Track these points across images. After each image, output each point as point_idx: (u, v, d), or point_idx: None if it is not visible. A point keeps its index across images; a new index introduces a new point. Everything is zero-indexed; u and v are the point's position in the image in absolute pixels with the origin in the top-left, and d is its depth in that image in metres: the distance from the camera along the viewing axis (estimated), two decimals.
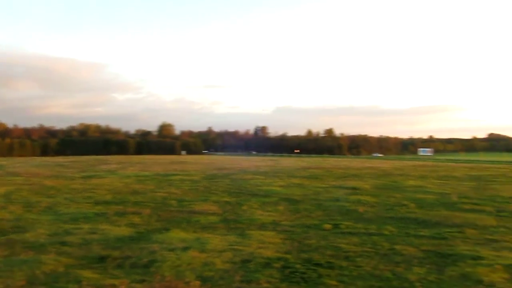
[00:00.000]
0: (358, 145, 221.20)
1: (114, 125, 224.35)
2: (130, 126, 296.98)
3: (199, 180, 42.64)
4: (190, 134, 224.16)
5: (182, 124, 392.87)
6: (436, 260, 13.14)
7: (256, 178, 45.47)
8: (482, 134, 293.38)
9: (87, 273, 11.42)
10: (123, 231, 17.24)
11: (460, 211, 22.99)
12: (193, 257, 13.01)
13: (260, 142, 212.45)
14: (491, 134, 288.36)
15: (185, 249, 14.03)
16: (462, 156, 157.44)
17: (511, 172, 60.31)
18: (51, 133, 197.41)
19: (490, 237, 16.64)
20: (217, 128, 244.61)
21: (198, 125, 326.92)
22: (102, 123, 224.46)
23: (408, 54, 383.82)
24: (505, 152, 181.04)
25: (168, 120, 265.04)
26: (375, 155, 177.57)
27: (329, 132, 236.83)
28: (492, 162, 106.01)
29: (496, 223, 19.59)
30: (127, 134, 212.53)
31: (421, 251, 14.26)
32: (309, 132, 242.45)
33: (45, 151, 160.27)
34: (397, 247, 14.70)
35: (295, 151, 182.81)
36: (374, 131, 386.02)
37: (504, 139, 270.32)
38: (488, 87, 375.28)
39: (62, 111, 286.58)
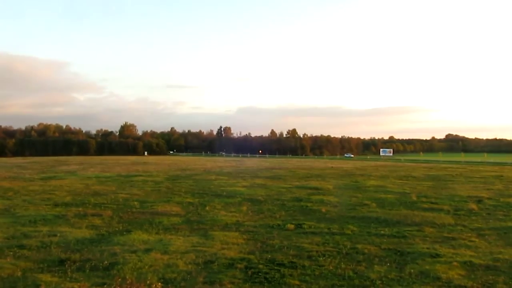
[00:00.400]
0: (320, 145, 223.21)
1: (74, 125, 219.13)
2: (91, 126, 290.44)
3: (161, 181, 42.29)
4: (152, 134, 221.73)
5: (145, 124, 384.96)
6: (396, 258, 13.40)
7: (219, 178, 45.42)
8: (440, 135, 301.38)
9: (46, 277, 11.15)
10: (83, 233, 16.92)
11: (419, 210, 23.54)
12: (155, 259, 12.88)
13: (224, 143, 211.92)
14: (449, 135, 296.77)
15: (147, 251, 13.88)
16: (422, 157, 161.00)
17: (468, 172, 62.09)
18: (8, 133, 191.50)
19: (448, 235, 17.11)
20: (180, 129, 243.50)
21: (160, 126, 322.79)
22: (62, 123, 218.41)
23: (370, 56, 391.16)
24: (462, 152, 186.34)
25: (130, 120, 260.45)
26: (347, 155, 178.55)
27: (293, 132, 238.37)
28: (450, 162, 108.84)
29: (453, 222, 20.15)
30: (88, 134, 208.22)
31: (382, 249, 14.53)
32: (273, 133, 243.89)
33: (2, 152, 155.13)
34: (359, 246, 14.93)
35: (259, 152, 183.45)
36: (336, 132, 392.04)
37: (461, 139, 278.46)
38: (447, 89, 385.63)
39: (20, 110, 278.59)
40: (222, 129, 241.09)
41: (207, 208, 23.94)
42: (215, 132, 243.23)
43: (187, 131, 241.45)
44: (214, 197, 28.99)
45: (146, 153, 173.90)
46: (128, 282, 10.18)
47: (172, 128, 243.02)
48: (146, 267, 12.06)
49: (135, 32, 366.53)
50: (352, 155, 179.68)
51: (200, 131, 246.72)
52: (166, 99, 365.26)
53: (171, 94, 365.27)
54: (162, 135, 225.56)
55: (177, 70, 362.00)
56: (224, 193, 31.33)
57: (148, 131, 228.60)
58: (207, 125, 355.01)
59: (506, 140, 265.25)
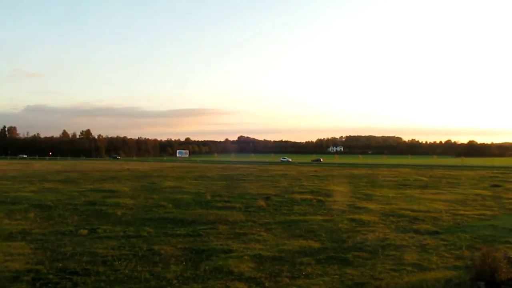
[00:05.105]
0: (116, 147, 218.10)
1: None
2: None
3: None
4: None
5: None
6: (192, 256, 13.75)
7: (2, 183, 41.23)
8: (233, 137, 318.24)
9: None
10: None
11: (213, 209, 24.49)
12: None
13: (9, 144, 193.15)
14: (241, 137, 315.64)
15: None
16: (216, 158, 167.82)
17: (258, 172, 66.73)
18: None
19: (239, 231, 18.15)
20: None
21: None
22: None
23: (163, 59, 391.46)
24: (253, 153, 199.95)
25: None
26: (283, 159, 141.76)
27: (87, 133, 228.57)
28: (242, 162, 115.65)
29: (244, 218, 21.44)
30: None
31: (178, 249, 14.76)
32: (65, 133, 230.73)
33: None
34: (155, 247, 14.93)
35: (49, 153, 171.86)
36: (133, 133, 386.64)
37: (252, 141, 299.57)
38: (240, 93, 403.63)
39: None
40: (6, 129, 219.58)
41: None
42: None
43: None
44: None
45: None
46: None
47: None
48: None
49: None
50: (290, 159, 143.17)
51: None
52: None
53: None
54: None
55: None
56: (8, 199, 28.54)
57: None
58: None
59: (290, 141, 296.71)
